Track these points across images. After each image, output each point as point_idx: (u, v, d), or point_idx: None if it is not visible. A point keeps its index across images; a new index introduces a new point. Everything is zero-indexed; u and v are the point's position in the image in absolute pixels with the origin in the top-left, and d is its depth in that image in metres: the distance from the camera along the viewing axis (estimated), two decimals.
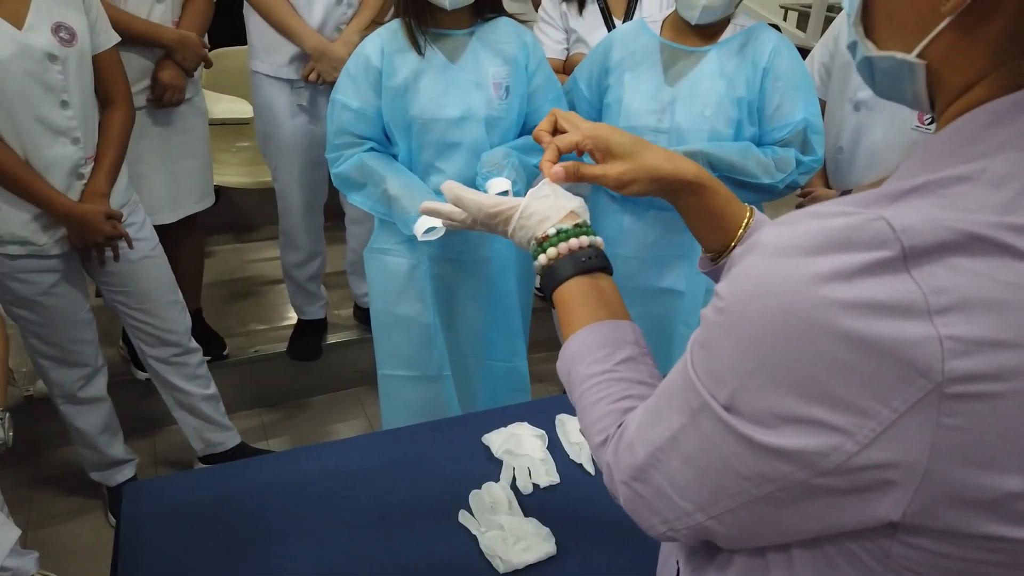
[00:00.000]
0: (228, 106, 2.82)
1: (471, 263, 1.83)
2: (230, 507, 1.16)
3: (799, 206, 1.95)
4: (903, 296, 0.42)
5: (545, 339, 2.62)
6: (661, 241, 1.74)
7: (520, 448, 1.25)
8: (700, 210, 0.81)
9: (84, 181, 1.79)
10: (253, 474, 1.23)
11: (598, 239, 0.79)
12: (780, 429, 0.46)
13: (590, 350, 0.71)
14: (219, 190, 2.96)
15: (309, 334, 2.65)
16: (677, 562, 0.69)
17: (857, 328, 0.42)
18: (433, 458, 1.26)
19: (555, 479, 1.21)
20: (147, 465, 2.34)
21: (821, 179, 1.95)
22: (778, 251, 0.46)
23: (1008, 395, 0.41)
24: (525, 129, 1.80)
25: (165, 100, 2.10)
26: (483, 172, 1.66)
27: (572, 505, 1.17)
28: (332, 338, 2.70)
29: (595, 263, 0.77)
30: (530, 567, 1.06)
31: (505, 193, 1.63)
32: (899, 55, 0.52)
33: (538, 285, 1.92)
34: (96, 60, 1.78)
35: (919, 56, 0.51)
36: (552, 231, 0.77)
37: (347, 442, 1.36)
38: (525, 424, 1.31)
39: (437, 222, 1.62)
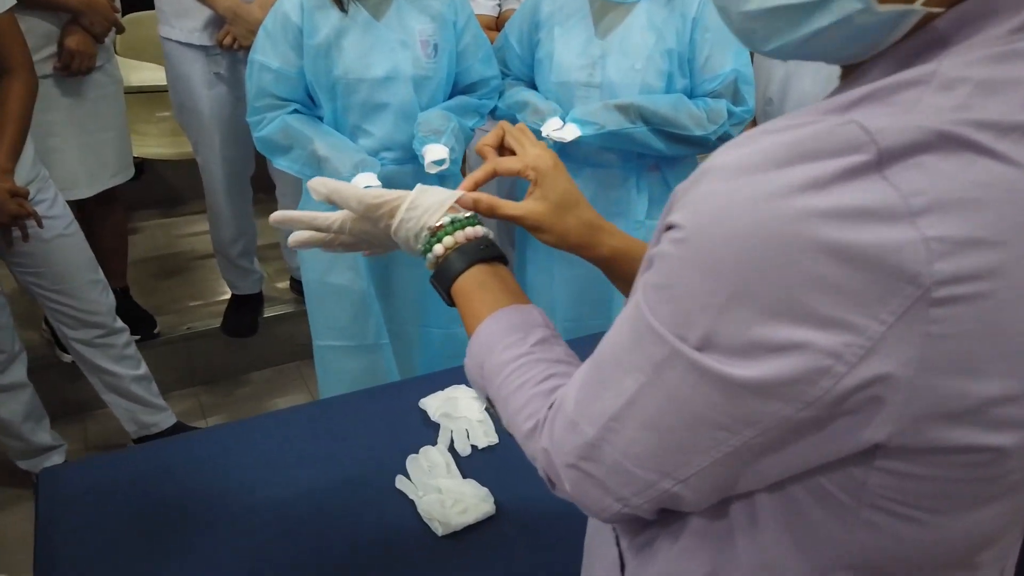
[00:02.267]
0: (147, 74, 2.69)
1: None
2: (157, 487, 1.11)
3: None
4: (883, 200, 0.39)
5: None
6: (596, 199, 1.72)
7: (457, 411, 1.23)
8: (617, 276, 0.80)
9: None
10: (181, 452, 1.18)
11: (489, 231, 0.77)
12: (764, 360, 0.43)
13: (501, 337, 0.66)
14: (142, 163, 2.83)
15: (244, 310, 2.57)
16: (619, 546, 0.64)
17: (838, 238, 0.40)
18: (369, 426, 1.24)
19: (494, 439, 1.20)
20: (79, 451, 2.25)
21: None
22: (740, 170, 0.43)
23: (989, 295, 0.40)
24: (456, 89, 1.76)
25: (74, 68, 1.98)
26: (420, 136, 1.61)
27: (511, 464, 1.15)
28: (269, 311, 2.63)
29: (492, 251, 0.74)
30: (469, 528, 1.04)
31: (442, 162, 1.58)
32: (902, 7, 0.44)
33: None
34: None
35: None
36: (447, 220, 0.74)
37: (280, 414, 1.32)
38: (462, 387, 1.28)
39: (374, 180, 1.57)
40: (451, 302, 0.74)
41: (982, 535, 0.49)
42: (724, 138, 1.69)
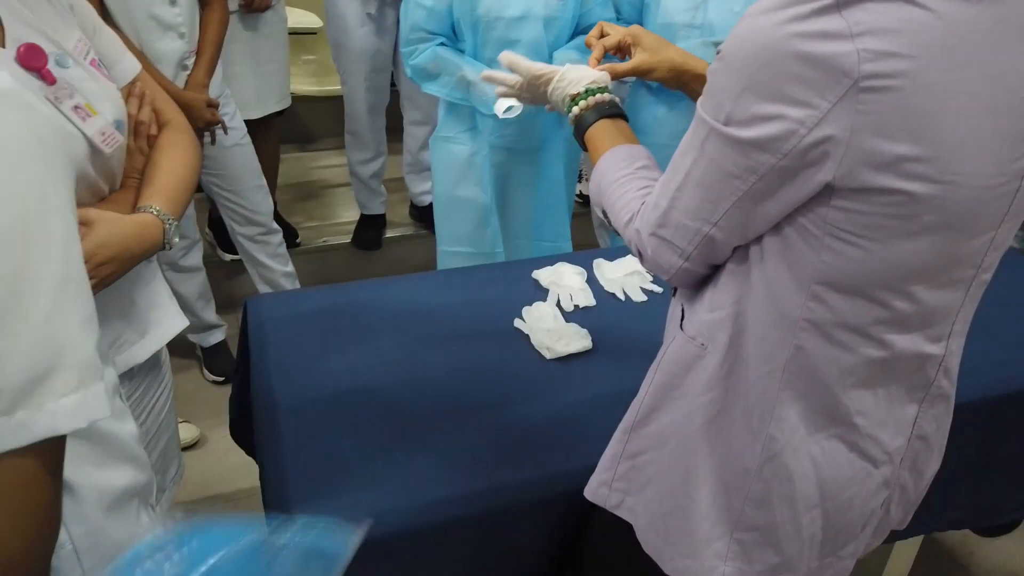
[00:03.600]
0: (298, 18, 3.07)
1: (524, 151, 2.06)
2: (333, 313, 1.44)
3: None
4: (836, 28, 0.65)
5: (583, 242, 2.86)
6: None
7: (563, 280, 1.51)
8: None
9: (188, 72, 2.06)
10: (347, 293, 1.52)
11: (616, 97, 1.05)
12: (759, 126, 0.69)
13: (616, 163, 0.94)
14: None
15: (371, 227, 2.94)
16: (682, 306, 0.93)
17: (808, 49, 0.65)
18: (491, 287, 1.53)
19: (592, 302, 1.48)
20: (234, 335, 2.66)
21: None
22: (759, 11, 0.69)
23: (899, 89, 0.65)
24: (577, 29, 2.01)
25: (255, 6, 2.35)
26: None
27: (605, 319, 1.44)
28: (390, 233, 2.99)
29: (615, 110, 1.03)
30: (571, 356, 1.33)
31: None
32: None
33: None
34: None
35: None
36: (581, 89, 1.05)
37: (416, 276, 1.64)
38: (567, 263, 1.57)
39: (514, 101, 1.85)
40: (585, 147, 1.03)
41: (909, 265, 0.73)
42: None
